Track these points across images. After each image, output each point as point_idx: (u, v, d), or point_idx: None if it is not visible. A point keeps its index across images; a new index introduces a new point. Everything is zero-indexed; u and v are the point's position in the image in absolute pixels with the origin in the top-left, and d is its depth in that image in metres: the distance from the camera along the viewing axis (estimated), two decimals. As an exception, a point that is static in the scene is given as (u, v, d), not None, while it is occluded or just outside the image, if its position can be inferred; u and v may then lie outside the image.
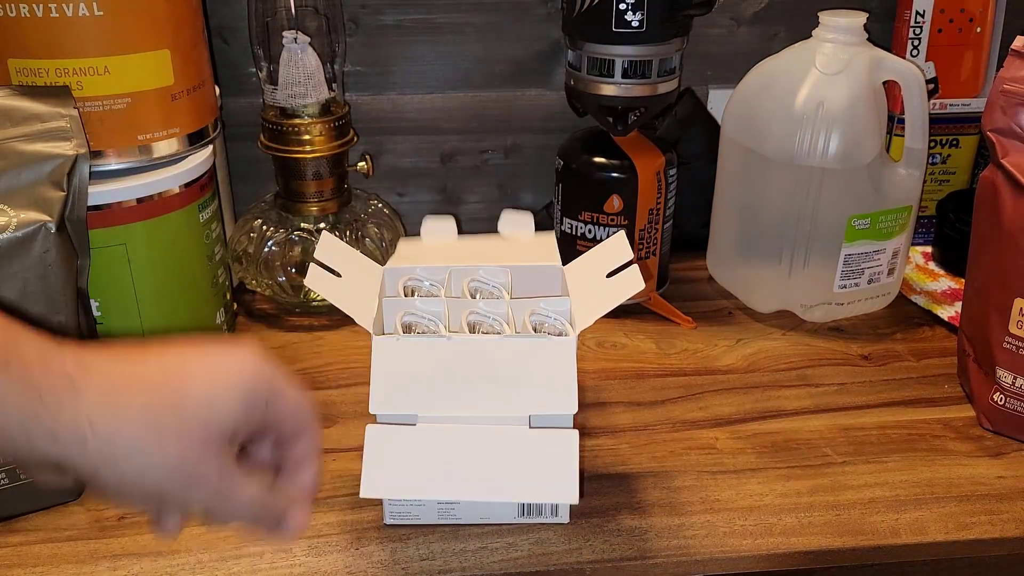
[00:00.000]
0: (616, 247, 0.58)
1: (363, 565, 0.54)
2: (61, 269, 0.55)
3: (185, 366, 0.38)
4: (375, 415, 0.53)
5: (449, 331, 0.56)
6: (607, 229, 0.78)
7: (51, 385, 0.34)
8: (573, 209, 0.79)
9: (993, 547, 0.58)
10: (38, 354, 0.35)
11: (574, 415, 0.52)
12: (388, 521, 0.57)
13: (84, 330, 0.59)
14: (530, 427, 0.53)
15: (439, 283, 0.59)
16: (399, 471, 0.52)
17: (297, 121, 0.74)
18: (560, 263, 0.60)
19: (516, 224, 0.64)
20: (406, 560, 0.54)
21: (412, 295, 0.58)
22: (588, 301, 0.55)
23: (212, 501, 0.38)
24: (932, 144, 0.87)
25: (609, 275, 0.56)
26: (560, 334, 0.55)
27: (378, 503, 0.58)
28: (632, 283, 0.54)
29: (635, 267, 0.54)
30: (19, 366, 0.34)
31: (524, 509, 0.57)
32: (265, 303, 0.84)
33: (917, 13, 0.85)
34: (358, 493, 0.50)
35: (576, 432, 0.53)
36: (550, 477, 0.52)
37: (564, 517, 0.57)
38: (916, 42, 0.86)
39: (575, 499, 0.51)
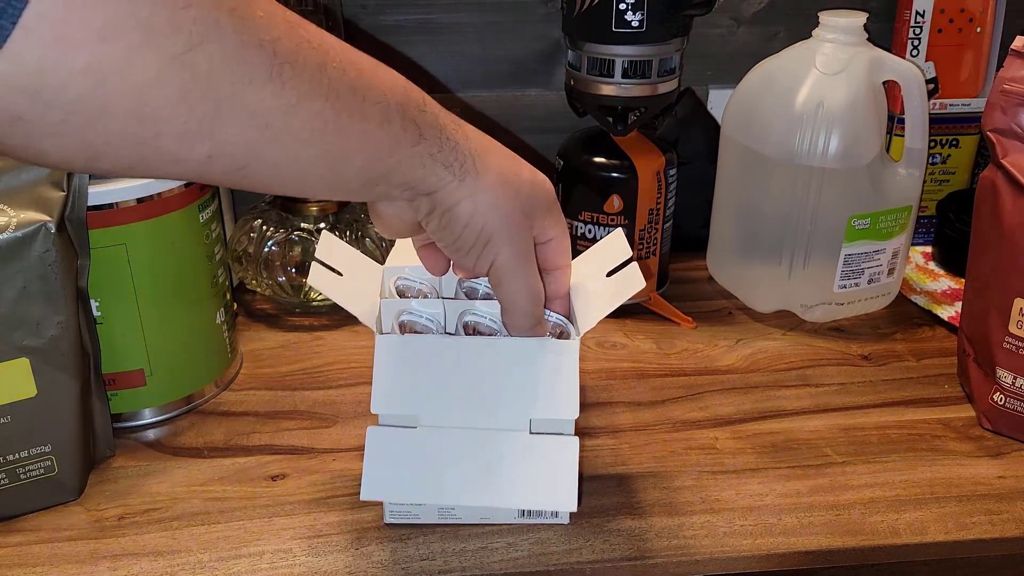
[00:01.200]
0: (614, 245, 0.58)
1: (363, 565, 0.54)
2: (61, 269, 0.55)
3: (522, 166, 0.50)
4: (376, 415, 0.53)
5: (446, 332, 0.55)
6: (607, 229, 0.78)
7: (452, 129, 0.47)
8: (573, 209, 0.79)
9: (993, 547, 0.57)
10: (451, 120, 0.48)
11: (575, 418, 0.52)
12: (388, 520, 0.57)
13: (84, 330, 0.59)
14: (531, 431, 0.53)
15: (428, 282, 0.59)
16: (399, 474, 0.52)
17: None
18: None
19: None
20: (406, 560, 0.54)
21: (402, 295, 0.58)
22: (590, 302, 0.55)
23: (516, 259, 0.49)
24: (932, 144, 0.87)
25: (609, 274, 0.56)
26: (562, 334, 0.55)
27: (378, 503, 0.58)
28: (633, 281, 0.54)
29: (635, 265, 0.54)
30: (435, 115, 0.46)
31: (524, 511, 0.57)
32: (265, 303, 0.84)
33: (917, 13, 0.85)
34: (357, 492, 0.50)
35: (576, 439, 0.53)
36: (549, 484, 0.52)
37: (564, 518, 0.57)
38: (916, 42, 0.86)
39: (573, 507, 0.52)
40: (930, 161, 0.88)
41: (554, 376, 0.52)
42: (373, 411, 0.53)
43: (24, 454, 0.57)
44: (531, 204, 0.49)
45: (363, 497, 0.52)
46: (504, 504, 0.54)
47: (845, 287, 0.78)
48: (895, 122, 0.85)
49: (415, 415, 0.53)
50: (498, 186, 0.47)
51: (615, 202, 0.78)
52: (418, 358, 0.53)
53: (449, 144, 0.45)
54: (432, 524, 0.57)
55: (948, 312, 0.81)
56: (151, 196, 0.61)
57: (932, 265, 0.89)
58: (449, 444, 0.52)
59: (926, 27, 0.86)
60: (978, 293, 0.67)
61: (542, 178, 0.51)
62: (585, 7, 0.72)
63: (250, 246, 0.78)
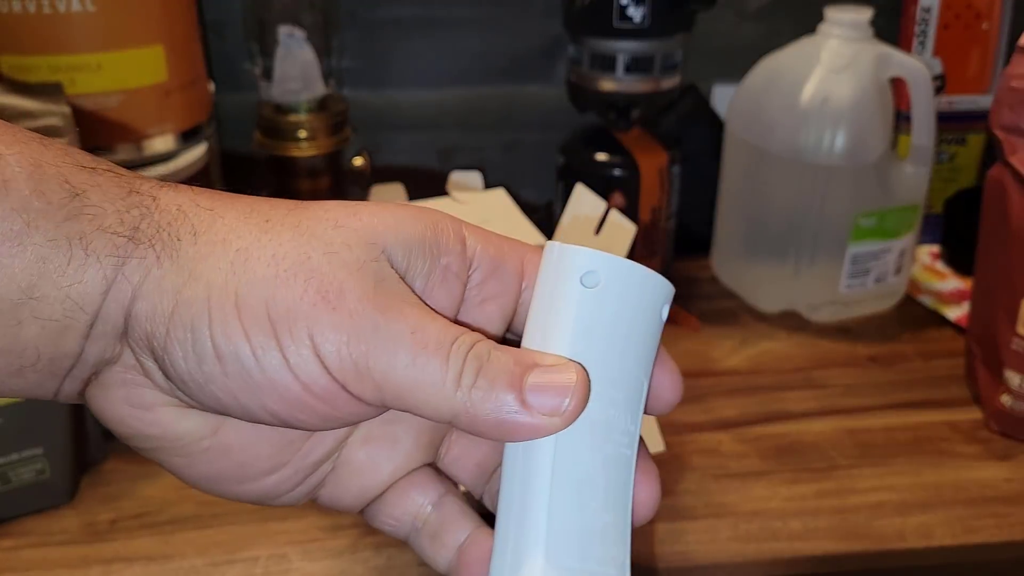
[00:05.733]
0: (583, 202, 0.56)
1: (359, 571, 0.53)
2: None
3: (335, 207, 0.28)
4: None
5: None
6: (609, 227, 0.78)
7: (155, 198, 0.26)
8: (574, 207, 0.79)
9: (1001, 551, 0.57)
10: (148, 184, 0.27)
11: None
12: None
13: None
14: None
15: None
16: None
17: (293, 117, 0.74)
18: (543, 239, 0.58)
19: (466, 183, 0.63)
20: (402, 565, 0.54)
21: None
22: None
23: (353, 331, 0.25)
24: (939, 142, 0.86)
25: (597, 231, 0.55)
26: None
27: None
28: (624, 227, 0.52)
29: (614, 211, 0.53)
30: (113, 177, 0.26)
31: None
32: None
33: (923, 8, 0.85)
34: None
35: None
36: None
37: None
38: (922, 38, 0.86)
39: (661, 446, 0.54)
40: (937, 159, 0.88)
41: None
42: None
43: (15, 457, 0.56)
44: (369, 244, 0.26)
45: None
46: None
47: (852, 287, 0.77)
48: (901, 119, 0.84)
49: None
50: (269, 242, 0.26)
51: (617, 199, 0.77)
52: None
53: (141, 205, 0.25)
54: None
55: (955, 312, 0.80)
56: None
57: (939, 265, 0.88)
58: None
59: (932, 23, 0.85)
60: (986, 293, 0.67)
61: (393, 211, 0.28)
62: (587, 1, 0.72)
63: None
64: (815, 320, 0.79)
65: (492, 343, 0.26)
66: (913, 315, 0.81)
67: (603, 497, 0.27)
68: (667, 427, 0.66)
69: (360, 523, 0.57)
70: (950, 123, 0.88)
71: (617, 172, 0.76)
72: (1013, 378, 0.64)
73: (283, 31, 0.72)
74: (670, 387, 0.29)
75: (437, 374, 0.25)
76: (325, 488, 0.30)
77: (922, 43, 0.86)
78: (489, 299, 0.29)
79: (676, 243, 0.84)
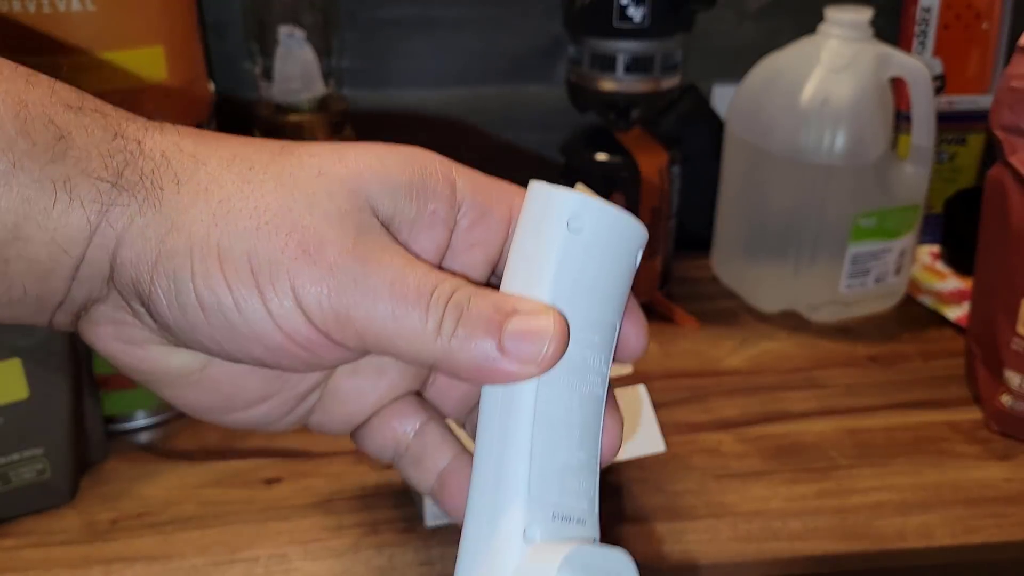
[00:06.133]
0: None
1: (360, 570, 0.53)
2: None
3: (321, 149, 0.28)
4: None
5: None
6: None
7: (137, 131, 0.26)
8: (574, 207, 0.79)
9: (1001, 551, 0.57)
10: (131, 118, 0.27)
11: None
12: (431, 523, 0.56)
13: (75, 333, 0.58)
14: None
15: None
16: None
17: (293, 117, 0.73)
18: None
19: None
20: (404, 565, 0.54)
21: None
22: None
23: (333, 284, 0.25)
24: (939, 142, 0.86)
25: None
26: None
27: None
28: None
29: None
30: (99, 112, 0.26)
31: None
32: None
33: (923, 8, 0.85)
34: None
35: (643, 385, 0.53)
36: (632, 433, 0.53)
37: None
38: (922, 38, 0.85)
39: (662, 447, 0.54)
40: (937, 159, 0.88)
41: None
42: None
43: (16, 457, 0.56)
44: (350, 192, 0.26)
45: (428, 524, 0.53)
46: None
47: (852, 287, 0.77)
48: (901, 119, 0.84)
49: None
50: (247, 188, 0.26)
51: (617, 199, 0.77)
52: None
53: (126, 151, 0.25)
54: (433, 527, 0.56)
55: (955, 312, 0.80)
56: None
57: (939, 265, 0.88)
58: None
59: (932, 23, 0.85)
60: (986, 293, 0.67)
61: (378, 151, 0.28)
62: (587, 1, 0.71)
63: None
64: (815, 320, 0.79)
65: (473, 289, 0.27)
66: (913, 315, 0.81)
67: (579, 435, 0.28)
68: (667, 427, 0.66)
69: (362, 523, 0.56)
70: (950, 123, 0.88)
71: (617, 172, 0.76)
72: (1013, 378, 0.64)
73: (283, 31, 0.72)
74: (636, 336, 0.30)
75: (417, 324, 0.25)
76: (314, 415, 0.30)
77: (922, 43, 0.86)
78: (476, 244, 0.29)
79: (676, 243, 0.84)
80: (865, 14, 0.73)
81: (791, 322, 0.79)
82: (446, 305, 0.26)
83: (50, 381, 0.56)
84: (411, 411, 0.31)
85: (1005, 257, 0.64)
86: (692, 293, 0.84)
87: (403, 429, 0.30)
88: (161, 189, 0.25)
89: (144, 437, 0.65)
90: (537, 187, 0.28)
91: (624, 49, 0.72)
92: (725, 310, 0.82)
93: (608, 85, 0.74)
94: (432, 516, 0.56)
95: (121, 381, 0.64)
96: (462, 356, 0.26)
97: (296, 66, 0.73)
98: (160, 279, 0.25)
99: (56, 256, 0.24)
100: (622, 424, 0.30)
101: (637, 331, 0.30)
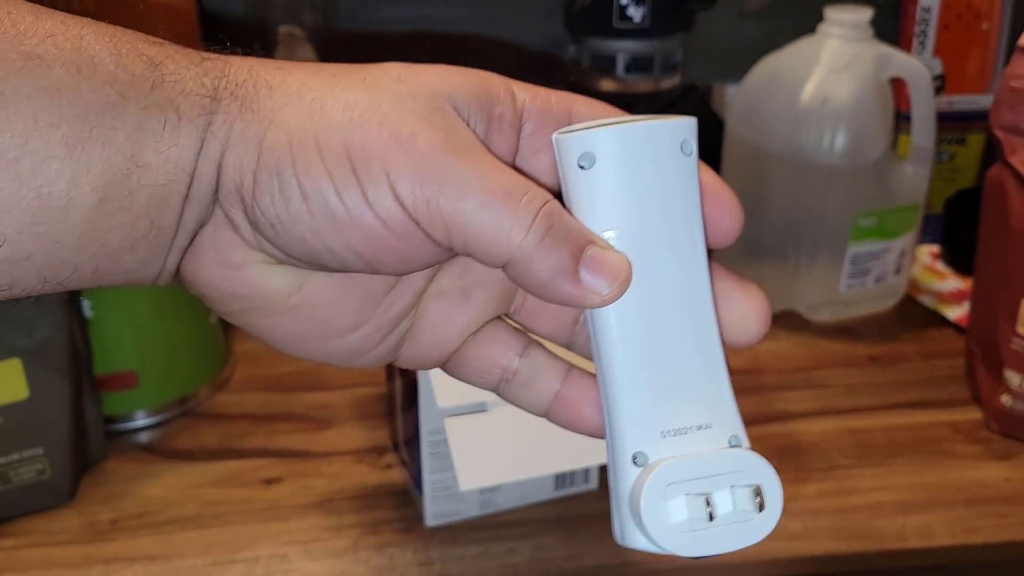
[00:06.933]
0: None
1: (360, 570, 0.53)
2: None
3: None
4: (444, 408, 0.53)
5: None
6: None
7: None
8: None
9: (1001, 551, 0.57)
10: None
11: None
12: (430, 523, 0.56)
13: (76, 331, 0.58)
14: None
15: None
16: (487, 457, 0.53)
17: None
18: None
19: None
20: (404, 565, 0.54)
21: None
22: None
23: (424, 172, 0.25)
24: (939, 142, 0.86)
25: None
26: None
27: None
28: None
29: None
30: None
31: (558, 482, 0.57)
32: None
33: (923, 8, 0.85)
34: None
35: None
36: None
37: (594, 483, 0.58)
38: (922, 38, 0.85)
39: None
40: (937, 159, 0.88)
41: None
42: (441, 406, 0.53)
43: (16, 457, 0.56)
44: (434, 93, 0.27)
45: (462, 487, 0.52)
46: (592, 462, 0.56)
47: (852, 287, 0.77)
48: (900, 119, 0.84)
49: (482, 400, 0.53)
50: (338, 90, 0.27)
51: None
52: None
53: (215, 70, 0.26)
54: (433, 527, 0.56)
55: (955, 312, 0.80)
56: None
57: (939, 265, 0.88)
58: (524, 416, 0.53)
59: (932, 23, 0.85)
60: (986, 293, 0.67)
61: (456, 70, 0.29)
62: (587, 1, 0.71)
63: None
64: (815, 320, 0.79)
65: (561, 206, 0.27)
66: (913, 315, 0.81)
67: (682, 345, 0.28)
68: (667, 427, 0.66)
69: (362, 523, 0.56)
70: (950, 123, 0.88)
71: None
72: (1013, 378, 0.64)
73: (283, 31, 0.72)
74: (726, 217, 0.30)
75: (505, 220, 0.26)
76: (405, 346, 0.31)
77: (922, 43, 0.86)
78: (541, 150, 0.30)
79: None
80: (865, 14, 0.73)
81: (791, 322, 0.79)
82: (537, 212, 0.26)
83: (50, 381, 0.56)
84: (510, 336, 0.31)
85: (1005, 257, 0.64)
86: (692, 293, 0.84)
87: (507, 354, 0.31)
88: (256, 94, 0.26)
89: (144, 437, 0.65)
90: (554, 137, 0.29)
91: (624, 49, 0.72)
92: (725, 310, 0.82)
93: (608, 85, 0.74)
94: (432, 516, 0.56)
95: (121, 381, 0.64)
96: (540, 265, 0.26)
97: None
98: (263, 175, 0.26)
99: (173, 176, 0.25)
100: (760, 302, 0.30)
101: (723, 212, 0.30)
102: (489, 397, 0.53)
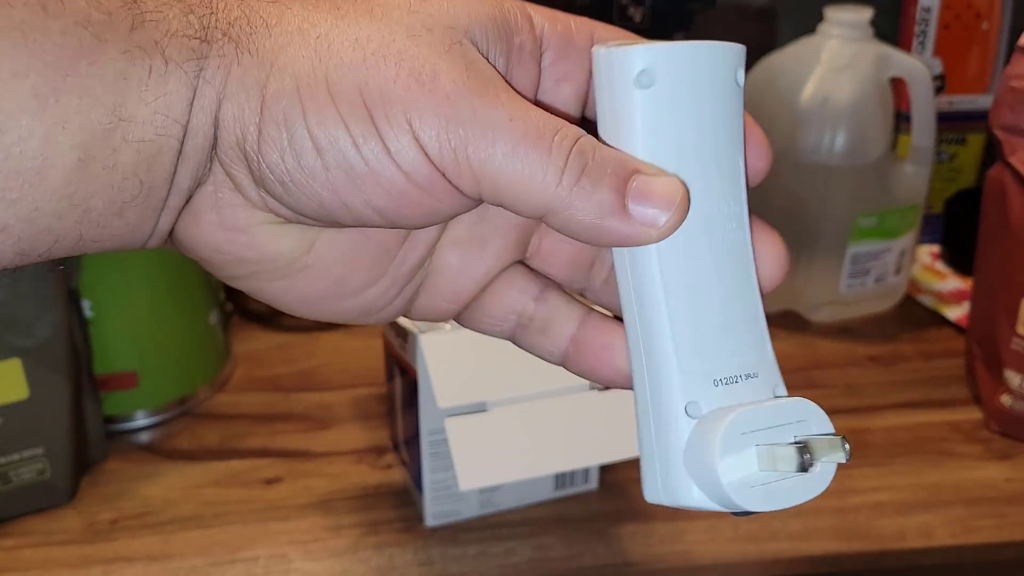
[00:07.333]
0: None
1: (360, 571, 0.53)
2: (52, 268, 0.54)
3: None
4: (444, 408, 0.53)
5: None
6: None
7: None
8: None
9: (1001, 551, 0.57)
10: None
11: None
12: (430, 523, 0.56)
13: (76, 331, 0.58)
14: (590, 388, 0.54)
15: None
16: (488, 457, 0.53)
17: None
18: None
19: None
20: (404, 565, 0.53)
21: None
22: None
23: (451, 115, 0.23)
24: (939, 142, 0.86)
25: None
26: None
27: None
28: None
29: None
30: None
31: (558, 482, 0.58)
32: (259, 303, 0.83)
33: (923, 8, 0.84)
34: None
35: None
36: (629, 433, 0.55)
37: (594, 483, 0.58)
38: (922, 38, 0.85)
39: None
40: (937, 159, 0.88)
41: None
42: (441, 406, 0.52)
43: (16, 457, 0.56)
44: (448, 23, 0.25)
45: (463, 487, 0.52)
46: (599, 461, 0.56)
47: (852, 287, 0.77)
48: (900, 119, 0.84)
49: (483, 400, 0.53)
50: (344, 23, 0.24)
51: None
52: (468, 347, 0.53)
53: (201, 6, 0.23)
54: (433, 527, 0.56)
55: (955, 312, 0.80)
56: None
57: (939, 265, 0.88)
58: (525, 418, 0.53)
59: (932, 23, 0.85)
60: (986, 293, 0.67)
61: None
62: (587, 1, 0.71)
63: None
64: (815, 320, 0.79)
65: (595, 140, 0.25)
66: (913, 315, 0.81)
67: (725, 290, 0.26)
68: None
69: (362, 523, 0.56)
70: (950, 123, 0.88)
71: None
72: (1013, 378, 0.64)
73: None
74: (759, 154, 0.28)
75: (537, 166, 0.23)
76: (420, 298, 0.29)
77: (922, 43, 0.86)
78: (563, 79, 0.27)
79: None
80: (865, 14, 0.73)
81: (791, 322, 0.79)
82: (570, 151, 0.24)
83: (50, 381, 0.56)
84: (525, 280, 0.29)
85: (1005, 257, 0.63)
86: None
87: (522, 299, 0.29)
88: (252, 34, 0.23)
89: (144, 437, 0.65)
90: (597, 51, 0.26)
91: (624, 49, 0.72)
92: (725, 310, 0.82)
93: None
94: (432, 516, 0.56)
95: (121, 381, 0.64)
96: (581, 208, 0.24)
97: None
98: (269, 127, 0.23)
99: (162, 129, 0.22)
100: (780, 247, 0.28)
101: (755, 151, 0.28)
102: (489, 397, 0.53)
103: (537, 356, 0.30)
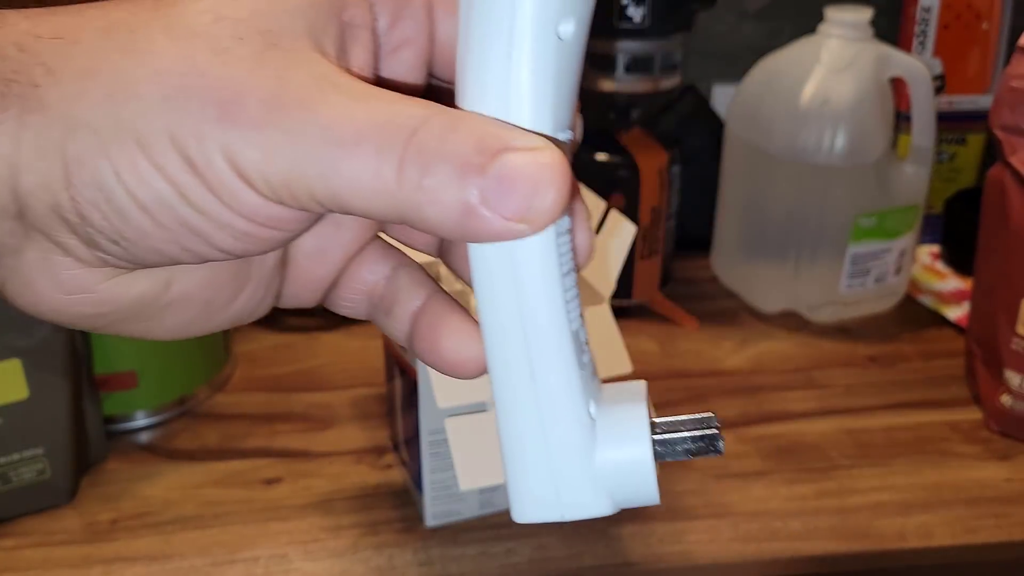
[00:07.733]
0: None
1: (360, 570, 0.53)
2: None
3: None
4: (444, 408, 0.53)
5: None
6: (609, 227, 0.77)
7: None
8: (574, 207, 0.78)
9: (1001, 551, 0.57)
10: None
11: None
12: (430, 523, 0.56)
13: (75, 333, 0.58)
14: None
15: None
16: (488, 457, 0.52)
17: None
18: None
19: None
20: (404, 565, 0.53)
21: None
22: (595, 264, 0.54)
23: (265, 144, 0.21)
24: (939, 142, 0.86)
25: (596, 232, 0.55)
26: None
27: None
28: (623, 228, 0.53)
29: (614, 211, 0.54)
30: None
31: None
32: (262, 302, 0.83)
33: (923, 8, 0.85)
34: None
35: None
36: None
37: None
38: (922, 38, 0.85)
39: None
40: (937, 159, 0.88)
41: (598, 340, 0.52)
42: (441, 406, 0.52)
43: (16, 457, 0.56)
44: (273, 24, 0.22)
45: (463, 487, 0.52)
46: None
47: (852, 287, 0.77)
48: (901, 119, 0.84)
49: (483, 400, 0.53)
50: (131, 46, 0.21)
51: (617, 200, 0.77)
52: None
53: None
54: (432, 527, 0.56)
55: (955, 312, 0.80)
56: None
57: (939, 265, 0.88)
58: None
59: (932, 23, 0.85)
60: (986, 293, 0.67)
61: None
62: (587, 2, 0.71)
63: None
64: (815, 320, 0.79)
65: (444, 118, 0.21)
66: (913, 315, 0.81)
67: (574, 275, 0.24)
68: (667, 427, 0.66)
69: (361, 523, 0.56)
70: (950, 123, 0.88)
71: (617, 172, 0.76)
72: (1013, 378, 0.64)
73: None
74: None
75: (370, 170, 0.20)
76: (284, 288, 0.27)
77: (922, 43, 0.86)
78: (402, 45, 0.25)
79: (676, 243, 0.84)
80: (865, 14, 0.73)
81: (791, 322, 0.79)
82: (406, 144, 0.20)
83: (50, 381, 0.56)
84: (378, 257, 0.27)
85: (1005, 257, 0.63)
86: (692, 293, 0.84)
87: (373, 278, 0.27)
88: (36, 86, 0.20)
89: (144, 437, 0.65)
90: None
91: (624, 49, 0.72)
92: (725, 310, 0.82)
93: (608, 85, 0.74)
94: (432, 516, 0.56)
95: (121, 381, 0.64)
96: (433, 210, 0.20)
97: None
98: (82, 192, 0.20)
99: None
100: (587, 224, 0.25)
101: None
102: (489, 397, 0.53)
103: (389, 336, 0.28)
